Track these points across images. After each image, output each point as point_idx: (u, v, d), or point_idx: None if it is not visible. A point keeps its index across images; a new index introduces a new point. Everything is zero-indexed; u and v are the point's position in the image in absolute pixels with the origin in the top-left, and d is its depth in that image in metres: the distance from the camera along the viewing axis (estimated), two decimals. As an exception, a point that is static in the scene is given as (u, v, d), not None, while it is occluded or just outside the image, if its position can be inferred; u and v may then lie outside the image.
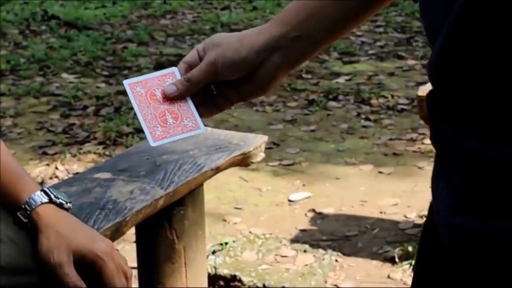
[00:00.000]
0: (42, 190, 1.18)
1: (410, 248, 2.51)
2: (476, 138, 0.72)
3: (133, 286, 2.34)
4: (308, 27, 0.95)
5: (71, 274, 1.10)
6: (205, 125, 1.04)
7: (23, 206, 1.15)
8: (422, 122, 3.45)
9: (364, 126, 3.82)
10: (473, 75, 0.71)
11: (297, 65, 0.99)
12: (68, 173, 3.27)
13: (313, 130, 3.80)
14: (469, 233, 0.75)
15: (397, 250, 2.54)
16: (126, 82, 0.98)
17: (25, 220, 1.15)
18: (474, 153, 0.74)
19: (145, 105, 0.97)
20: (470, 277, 0.79)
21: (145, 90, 0.98)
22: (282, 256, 2.53)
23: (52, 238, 1.12)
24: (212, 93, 0.99)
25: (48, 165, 3.39)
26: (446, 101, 0.75)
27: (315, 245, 2.64)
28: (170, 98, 0.97)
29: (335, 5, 0.95)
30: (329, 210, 2.95)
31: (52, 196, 1.17)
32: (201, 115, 0.98)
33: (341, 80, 4.55)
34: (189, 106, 0.98)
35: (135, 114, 0.99)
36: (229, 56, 0.96)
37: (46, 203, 1.16)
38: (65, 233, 1.13)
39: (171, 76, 0.99)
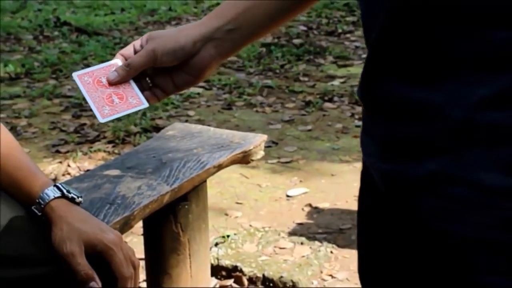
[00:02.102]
0: (55, 186, 1.18)
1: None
2: (408, 84, 0.79)
3: (140, 276, 2.35)
4: (242, 22, 0.99)
5: (83, 263, 1.11)
6: (208, 125, 1.05)
7: (37, 201, 1.15)
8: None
9: (357, 126, 3.81)
10: (404, 43, 0.79)
11: (228, 56, 1.02)
12: (80, 170, 3.28)
13: (309, 130, 3.81)
14: (395, 176, 0.83)
15: (388, 242, 2.54)
16: (74, 74, 1.02)
17: (39, 214, 1.16)
18: (397, 98, 0.81)
19: (93, 91, 1.01)
20: (399, 215, 0.87)
21: (92, 79, 1.02)
22: (281, 248, 2.54)
23: (65, 229, 1.12)
24: (148, 85, 1.02)
25: (60, 162, 3.39)
26: (383, 62, 0.82)
27: (311, 237, 2.65)
28: (113, 83, 1.01)
29: (267, 3, 0.99)
30: (324, 204, 2.96)
31: (64, 191, 1.18)
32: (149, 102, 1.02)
33: (336, 82, 4.55)
34: (133, 87, 1.02)
35: (84, 99, 1.02)
36: (169, 44, 0.99)
37: (59, 197, 1.16)
38: (77, 225, 1.14)
39: (115, 66, 1.03)
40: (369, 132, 0.89)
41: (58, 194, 1.17)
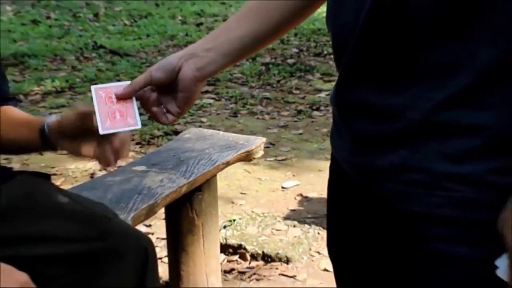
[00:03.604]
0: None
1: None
2: (374, 92, 0.80)
3: (162, 252, 2.35)
4: (218, 42, 0.97)
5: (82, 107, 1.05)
6: (218, 130, 1.04)
7: (46, 123, 1.12)
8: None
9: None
10: (378, 55, 0.79)
11: (207, 72, 0.97)
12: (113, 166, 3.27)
13: (301, 133, 3.81)
14: (364, 167, 0.84)
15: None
16: (93, 87, 0.99)
17: (47, 130, 1.12)
18: (366, 102, 0.81)
19: (103, 105, 0.98)
20: (365, 199, 0.88)
21: (105, 94, 0.99)
22: (277, 230, 2.54)
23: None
24: (163, 111, 1.00)
25: (97, 160, 3.39)
26: (355, 73, 0.83)
27: (302, 221, 2.65)
28: (119, 97, 0.98)
29: (239, 28, 0.97)
30: (313, 194, 2.96)
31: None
32: (161, 122, 0.99)
33: (322, 94, 4.55)
34: (134, 108, 0.99)
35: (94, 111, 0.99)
36: (161, 63, 0.98)
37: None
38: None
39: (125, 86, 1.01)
40: (341, 131, 0.90)
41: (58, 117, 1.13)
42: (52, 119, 1.12)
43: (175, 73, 0.96)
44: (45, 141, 1.11)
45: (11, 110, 1.21)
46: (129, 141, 1.02)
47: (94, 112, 0.98)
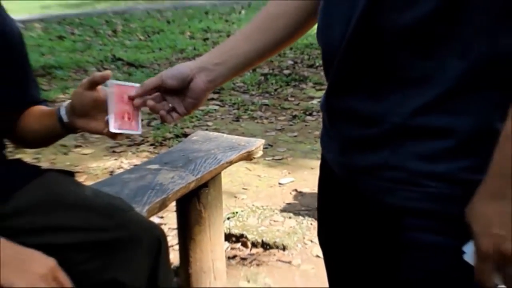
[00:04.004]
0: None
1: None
2: (359, 100, 0.80)
3: (173, 241, 2.35)
4: (225, 58, 0.98)
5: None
6: (222, 133, 1.04)
7: (59, 109, 1.14)
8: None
9: (330, 133, 3.80)
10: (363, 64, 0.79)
11: (217, 83, 0.99)
12: (130, 165, 3.28)
13: (295, 136, 3.81)
14: (349, 166, 0.85)
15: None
16: (111, 82, 1.00)
17: (63, 113, 1.12)
18: (351, 109, 0.82)
19: (115, 102, 0.99)
20: (350, 194, 0.88)
21: (119, 92, 1.00)
22: (275, 221, 2.55)
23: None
24: (168, 107, 1.01)
25: (116, 159, 3.40)
26: (341, 83, 0.83)
27: (296, 213, 2.65)
28: (131, 98, 1.00)
29: (245, 49, 0.98)
30: (306, 189, 2.96)
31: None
32: (166, 121, 1.01)
33: (314, 101, 4.56)
34: (138, 114, 1.02)
35: (107, 105, 0.99)
36: (172, 70, 0.99)
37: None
38: None
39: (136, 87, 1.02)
40: (329, 134, 0.91)
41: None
42: (63, 104, 1.14)
43: (187, 82, 0.98)
44: (63, 124, 1.12)
45: (38, 107, 1.22)
46: None
47: (107, 107, 0.98)
